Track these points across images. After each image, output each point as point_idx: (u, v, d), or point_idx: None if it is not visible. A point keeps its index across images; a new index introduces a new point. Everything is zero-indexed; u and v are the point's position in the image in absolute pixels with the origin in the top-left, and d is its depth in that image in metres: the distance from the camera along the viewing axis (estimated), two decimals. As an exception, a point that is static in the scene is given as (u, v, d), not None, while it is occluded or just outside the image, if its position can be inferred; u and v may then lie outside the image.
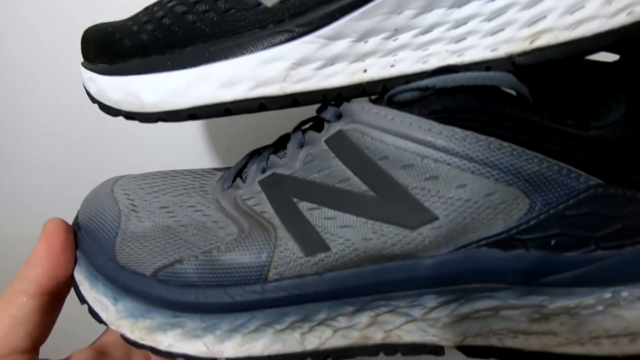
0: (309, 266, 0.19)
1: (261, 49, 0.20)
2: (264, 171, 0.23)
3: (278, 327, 0.20)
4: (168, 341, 0.20)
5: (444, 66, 0.20)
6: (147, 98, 0.21)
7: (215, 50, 0.21)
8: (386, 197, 0.19)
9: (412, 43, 0.21)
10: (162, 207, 0.23)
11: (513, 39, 0.20)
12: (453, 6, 0.20)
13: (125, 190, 0.24)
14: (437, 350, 0.20)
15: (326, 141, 0.21)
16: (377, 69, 0.21)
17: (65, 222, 0.23)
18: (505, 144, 0.17)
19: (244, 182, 0.24)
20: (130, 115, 0.22)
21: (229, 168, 0.28)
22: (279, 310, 0.20)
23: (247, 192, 0.22)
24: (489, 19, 0.20)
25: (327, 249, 0.19)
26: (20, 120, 0.46)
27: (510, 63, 0.20)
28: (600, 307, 0.18)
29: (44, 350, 0.22)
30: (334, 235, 0.19)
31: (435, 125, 0.18)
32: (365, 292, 0.20)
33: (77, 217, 0.24)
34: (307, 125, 0.24)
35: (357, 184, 0.20)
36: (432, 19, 0.21)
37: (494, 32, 0.20)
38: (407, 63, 0.21)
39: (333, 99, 0.22)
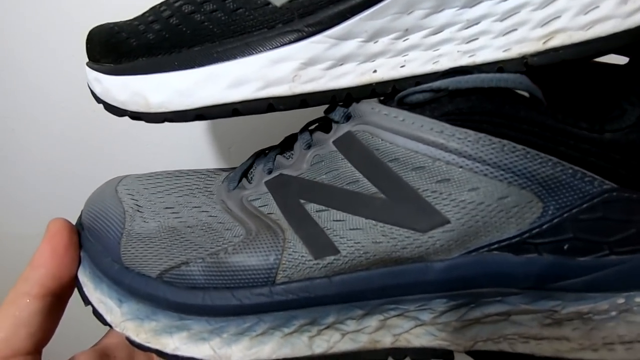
0: (317, 269, 0.19)
1: (270, 49, 0.20)
2: (270, 172, 0.23)
3: (286, 330, 0.20)
4: (174, 344, 0.20)
5: (456, 67, 0.19)
6: (154, 98, 0.21)
7: (223, 50, 0.20)
8: (396, 200, 0.19)
9: (423, 43, 0.21)
10: (167, 208, 0.23)
11: (526, 39, 0.20)
12: (464, 6, 0.20)
13: (129, 190, 0.24)
14: (447, 355, 0.20)
15: (334, 142, 0.21)
16: (387, 70, 0.21)
17: (69, 222, 0.23)
18: (519, 146, 0.17)
19: (250, 182, 0.24)
20: (136, 116, 0.22)
21: (233, 168, 0.27)
22: (287, 313, 0.20)
23: (254, 193, 0.22)
24: (502, 19, 0.20)
25: (336, 251, 0.19)
26: (20, 120, 0.46)
27: (523, 63, 0.20)
28: (613, 313, 0.18)
29: (46, 352, 0.22)
30: (343, 238, 0.19)
31: (448, 127, 0.18)
32: (374, 296, 0.19)
33: (80, 217, 0.24)
34: (314, 126, 0.24)
35: (366, 186, 0.19)
36: (443, 19, 0.20)
37: (506, 32, 0.20)
38: (417, 63, 0.21)
39: (342, 100, 0.21)
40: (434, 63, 0.21)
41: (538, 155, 0.17)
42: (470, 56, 0.21)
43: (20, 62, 0.43)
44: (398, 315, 0.20)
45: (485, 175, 0.17)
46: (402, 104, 0.20)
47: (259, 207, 0.22)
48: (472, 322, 0.19)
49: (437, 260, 0.19)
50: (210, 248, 0.21)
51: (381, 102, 0.21)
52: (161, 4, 0.22)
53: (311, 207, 0.20)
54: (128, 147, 0.44)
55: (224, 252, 0.20)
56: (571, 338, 0.18)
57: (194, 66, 0.20)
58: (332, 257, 0.19)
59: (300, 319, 0.20)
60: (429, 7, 0.20)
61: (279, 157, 0.24)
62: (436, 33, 0.21)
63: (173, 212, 0.23)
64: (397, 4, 0.20)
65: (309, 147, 0.22)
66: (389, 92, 0.21)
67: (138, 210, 0.23)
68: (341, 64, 0.21)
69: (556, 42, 0.20)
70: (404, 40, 0.21)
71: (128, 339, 0.21)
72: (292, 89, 0.21)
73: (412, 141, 0.19)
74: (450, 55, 0.21)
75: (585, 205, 0.17)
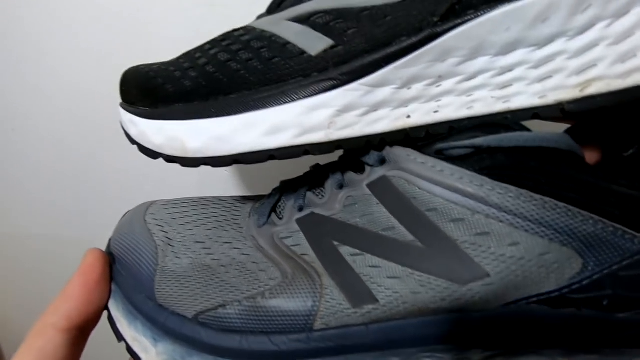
0: (356, 317, 0.19)
1: (306, 97, 0.20)
2: (301, 209, 0.23)
3: (323, 376, 0.20)
4: (211, 386, 0.20)
5: (493, 117, 0.19)
6: (191, 144, 0.21)
7: (259, 97, 0.20)
8: (434, 250, 0.19)
9: (456, 89, 0.21)
10: (197, 242, 0.23)
11: (562, 87, 0.20)
12: (498, 54, 0.20)
13: (158, 221, 0.24)
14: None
15: (369, 186, 0.21)
16: (420, 115, 0.21)
17: (104, 254, 0.23)
18: (561, 204, 0.17)
19: (280, 219, 0.24)
20: (171, 159, 0.22)
21: (256, 197, 0.27)
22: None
23: (285, 231, 0.22)
24: (537, 67, 0.20)
25: (374, 300, 0.19)
26: (20, 120, 0.46)
27: (559, 110, 0.20)
28: (651, 367, 0.18)
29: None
30: (382, 287, 0.19)
31: (488, 182, 0.18)
32: (411, 344, 0.20)
33: (109, 246, 0.24)
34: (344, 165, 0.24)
35: (403, 233, 0.20)
36: (477, 66, 0.20)
37: (541, 79, 0.20)
38: (451, 109, 0.21)
39: (376, 144, 0.21)
40: (467, 108, 0.21)
41: (580, 214, 0.17)
42: (504, 102, 0.21)
43: (20, 62, 0.43)
44: (434, 363, 0.20)
45: (527, 231, 0.18)
46: (440, 154, 0.20)
47: (292, 246, 0.22)
48: (508, 372, 0.20)
49: (475, 311, 0.19)
50: (247, 291, 0.21)
51: (417, 149, 0.21)
52: (195, 50, 0.23)
53: (345, 250, 0.20)
54: (128, 147, 0.44)
55: (261, 296, 0.20)
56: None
57: (231, 113, 0.21)
58: (371, 307, 0.19)
59: (337, 366, 0.20)
60: (463, 55, 0.20)
61: (309, 194, 0.24)
62: (470, 79, 0.21)
63: (204, 248, 0.23)
64: (432, 52, 0.20)
65: (340, 187, 0.23)
66: (422, 136, 0.21)
67: (169, 245, 0.23)
68: (375, 110, 0.21)
69: (593, 89, 0.20)
70: (437, 86, 0.21)
71: (165, 380, 0.21)
72: (328, 136, 0.21)
73: (451, 192, 0.19)
74: (484, 101, 0.21)
75: (625, 263, 0.17)
